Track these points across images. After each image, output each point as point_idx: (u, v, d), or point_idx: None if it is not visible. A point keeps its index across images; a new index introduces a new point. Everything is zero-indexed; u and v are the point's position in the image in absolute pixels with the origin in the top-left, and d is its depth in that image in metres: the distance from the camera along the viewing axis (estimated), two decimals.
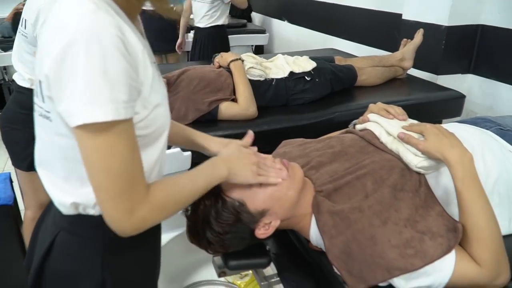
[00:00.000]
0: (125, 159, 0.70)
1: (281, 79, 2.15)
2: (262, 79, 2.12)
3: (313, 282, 1.17)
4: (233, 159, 0.99)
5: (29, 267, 0.90)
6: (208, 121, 1.92)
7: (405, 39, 2.57)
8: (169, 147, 1.77)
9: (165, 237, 1.60)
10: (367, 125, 1.29)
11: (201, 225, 1.04)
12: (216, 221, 1.02)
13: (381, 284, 1.00)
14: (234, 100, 2.00)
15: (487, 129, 1.33)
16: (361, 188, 1.09)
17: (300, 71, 2.20)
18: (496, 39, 2.44)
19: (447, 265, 0.96)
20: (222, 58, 2.15)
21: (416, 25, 2.60)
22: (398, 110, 1.26)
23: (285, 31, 5.01)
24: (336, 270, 1.04)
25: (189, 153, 1.65)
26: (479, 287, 0.99)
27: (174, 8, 0.84)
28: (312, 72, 2.21)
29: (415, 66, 2.55)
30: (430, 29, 2.52)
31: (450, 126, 1.35)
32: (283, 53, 2.43)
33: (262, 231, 1.06)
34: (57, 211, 0.83)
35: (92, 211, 0.80)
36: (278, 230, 1.10)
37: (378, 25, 3.31)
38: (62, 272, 0.84)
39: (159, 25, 3.65)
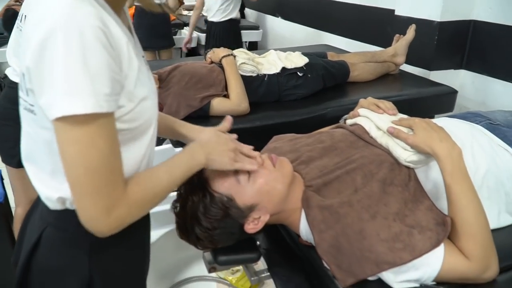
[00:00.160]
0: (104, 154, 0.69)
1: (273, 75, 2.15)
2: (254, 74, 2.12)
3: (303, 276, 1.17)
4: (211, 144, 0.96)
5: (16, 262, 0.89)
6: (200, 117, 1.91)
7: (397, 35, 2.57)
8: (161, 143, 1.77)
9: (156, 234, 1.60)
10: (357, 120, 1.30)
11: (189, 221, 1.04)
12: (204, 216, 1.02)
13: (370, 278, 1.00)
14: (226, 96, 2.00)
15: (477, 123, 1.33)
16: (350, 182, 1.09)
17: (293, 66, 2.20)
18: (488, 34, 2.45)
19: (436, 259, 0.97)
20: (214, 53, 2.14)
21: (408, 20, 2.60)
22: (388, 104, 1.26)
23: (278, 27, 5.01)
24: (325, 265, 1.04)
25: (180, 149, 1.64)
26: (468, 280, 1.00)
27: (163, 3, 0.83)
28: (305, 68, 2.21)
29: (408, 61, 2.56)
30: (423, 24, 2.52)
31: (440, 120, 1.36)
32: (276, 49, 2.43)
33: (251, 226, 1.05)
34: (44, 206, 0.82)
35: None
36: (268, 225, 1.10)
37: (371, 21, 3.32)
38: (49, 268, 0.83)
39: (152, 21, 3.64)
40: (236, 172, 1.02)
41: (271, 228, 1.19)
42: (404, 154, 1.11)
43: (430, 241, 0.97)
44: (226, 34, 3.87)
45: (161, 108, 1.93)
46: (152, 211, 0.87)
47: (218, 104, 1.95)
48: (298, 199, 1.10)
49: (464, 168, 1.03)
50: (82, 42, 0.63)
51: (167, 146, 1.69)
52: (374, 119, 1.23)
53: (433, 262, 0.97)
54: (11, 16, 3.38)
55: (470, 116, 1.39)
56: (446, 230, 0.99)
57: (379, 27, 3.13)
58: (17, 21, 1.74)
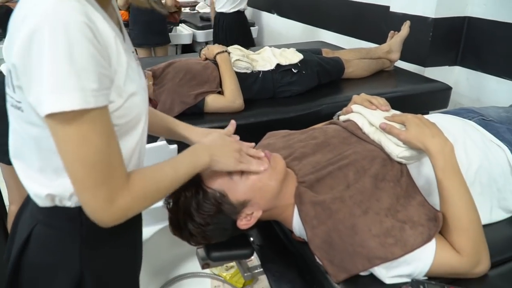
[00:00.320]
0: (99, 148, 0.69)
1: (268, 71, 2.15)
2: (248, 71, 2.12)
3: (296, 272, 1.17)
4: (216, 146, 0.98)
5: (8, 259, 0.89)
6: (195, 114, 1.91)
7: (392, 31, 2.57)
8: (155, 139, 1.76)
9: (150, 230, 1.60)
10: (350, 116, 1.30)
11: (182, 217, 1.04)
12: (197, 212, 1.02)
13: (362, 274, 1.00)
14: (221, 92, 1.99)
15: (469, 119, 1.34)
16: (343, 178, 1.09)
17: (287, 63, 2.19)
18: (482, 31, 2.45)
19: (427, 254, 0.97)
20: (208, 50, 2.14)
21: (403, 17, 2.60)
22: (381, 101, 1.26)
23: (274, 24, 5.00)
24: (318, 260, 1.04)
25: (175, 146, 1.64)
26: (459, 275, 1.01)
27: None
28: (299, 65, 2.21)
29: (403, 58, 2.56)
30: (417, 21, 2.53)
31: (433, 116, 1.36)
32: (271, 46, 2.42)
33: (244, 222, 1.06)
34: (34, 204, 0.82)
35: (69, 203, 0.79)
36: (261, 221, 1.10)
37: (366, 17, 3.32)
38: (40, 265, 0.83)
39: (148, 18, 3.62)
40: None
41: (265, 224, 1.19)
42: (397, 150, 1.11)
43: (421, 236, 0.97)
44: (236, 24, 3.90)
45: (155, 105, 1.92)
46: None
47: (212, 101, 1.94)
48: (291, 195, 1.10)
49: (456, 164, 1.03)
50: (67, 38, 0.63)
51: (161, 143, 1.68)
52: (367, 115, 1.24)
53: (425, 257, 0.97)
54: (4, 13, 3.38)
55: (463, 112, 1.39)
56: (438, 226, 0.99)
57: (374, 23, 3.14)
58: None
